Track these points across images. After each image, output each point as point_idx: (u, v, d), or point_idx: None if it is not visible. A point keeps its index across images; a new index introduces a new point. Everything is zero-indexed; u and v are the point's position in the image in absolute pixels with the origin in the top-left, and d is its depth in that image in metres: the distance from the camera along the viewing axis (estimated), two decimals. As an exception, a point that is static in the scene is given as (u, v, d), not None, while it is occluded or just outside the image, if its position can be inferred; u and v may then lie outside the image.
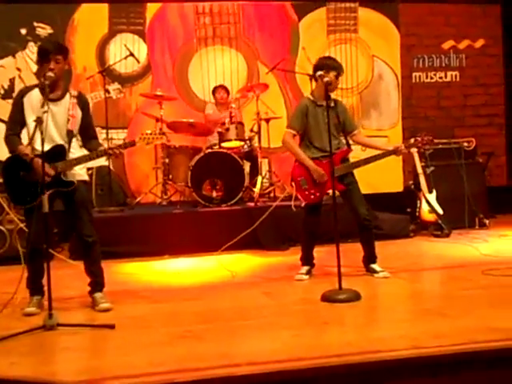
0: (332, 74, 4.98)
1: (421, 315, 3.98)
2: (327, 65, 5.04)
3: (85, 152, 4.47)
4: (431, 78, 8.79)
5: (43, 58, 4.25)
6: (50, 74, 4.15)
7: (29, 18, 7.64)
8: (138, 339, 3.71)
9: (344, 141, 5.21)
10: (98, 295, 4.47)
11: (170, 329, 3.88)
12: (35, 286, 4.41)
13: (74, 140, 4.39)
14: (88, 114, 4.50)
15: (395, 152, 5.14)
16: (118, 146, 4.41)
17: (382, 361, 3.09)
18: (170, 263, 6.18)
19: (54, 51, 4.25)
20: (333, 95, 5.14)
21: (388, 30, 8.52)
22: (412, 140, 5.31)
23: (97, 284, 4.52)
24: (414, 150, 6.97)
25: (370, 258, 5.16)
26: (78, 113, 4.38)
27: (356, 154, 5.54)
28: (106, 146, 4.80)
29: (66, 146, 4.32)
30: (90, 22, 7.81)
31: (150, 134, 4.47)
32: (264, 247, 6.59)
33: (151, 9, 7.99)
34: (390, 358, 3.12)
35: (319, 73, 4.88)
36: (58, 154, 4.28)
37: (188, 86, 8.11)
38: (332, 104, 5.07)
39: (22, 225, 5.76)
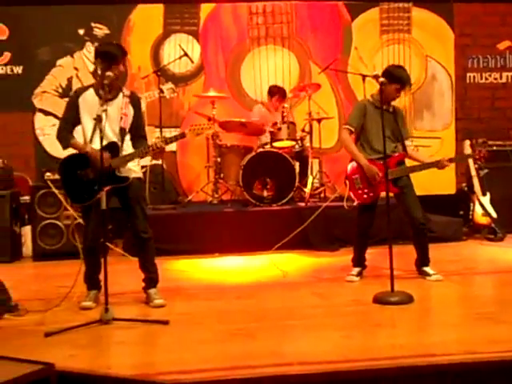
0: (394, 86, 4.95)
1: (474, 320, 3.93)
2: (392, 74, 4.98)
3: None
4: (486, 79, 8.62)
5: (112, 60, 4.34)
6: (110, 73, 4.24)
7: (86, 19, 7.81)
8: (191, 336, 3.77)
9: (401, 146, 5.15)
10: (152, 291, 4.56)
11: (221, 326, 3.94)
12: (92, 281, 4.54)
13: (126, 138, 4.48)
14: (139, 112, 4.59)
15: (437, 165, 5.07)
16: (169, 138, 4.47)
17: (436, 365, 3.07)
18: (221, 261, 6.25)
19: (122, 55, 4.40)
20: (393, 102, 5.13)
21: (442, 30, 8.40)
22: (468, 143, 5.22)
23: (151, 280, 4.60)
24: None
25: (422, 260, 5.12)
26: (130, 111, 4.49)
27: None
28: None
29: (119, 143, 4.42)
30: (145, 22, 7.93)
31: (199, 124, 4.53)
32: (314, 247, 6.59)
33: (205, 9, 8.07)
34: (443, 362, 3.10)
35: (374, 73, 4.85)
36: (111, 150, 4.36)
37: (240, 86, 8.16)
38: (391, 109, 5.07)
39: (79, 220, 5.90)
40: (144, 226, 4.54)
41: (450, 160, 5.15)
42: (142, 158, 4.58)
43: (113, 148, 4.38)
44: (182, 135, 4.51)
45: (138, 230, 4.53)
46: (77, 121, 4.45)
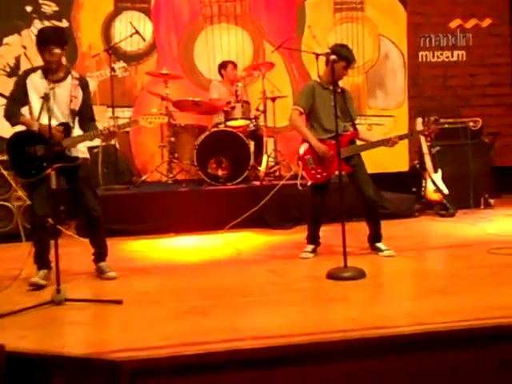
0: (341, 64, 4.97)
1: (425, 293, 4.02)
2: (338, 52, 4.97)
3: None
4: (438, 58, 8.74)
5: (43, 45, 4.36)
6: (57, 50, 4.29)
7: (34, -4, 7.61)
8: (145, 314, 3.77)
9: (351, 126, 5.19)
10: (103, 264, 4.68)
11: (176, 304, 3.94)
12: (42, 261, 4.49)
13: (76, 119, 4.54)
14: (88, 95, 4.65)
15: (387, 142, 5.13)
16: (122, 124, 4.61)
17: (386, 336, 3.12)
18: (176, 241, 6.22)
19: (54, 41, 4.35)
20: (340, 83, 5.15)
21: (395, 8, 8.45)
22: (420, 121, 5.29)
23: (101, 254, 4.72)
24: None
25: (375, 236, 5.19)
26: (80, 94, 4.53)
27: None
28: (107, 125, 4.91)
29: (71, 124, 4.46)
30: (95, -1, 7.78)
31: (153, 114, 4.64)
32: (269, 226, 6.61)
33: (157, -14, 7.95)
34: (393, 333, 3.16)
35: (326, 51, 4.87)
36: (63, 131, 4.40)
37: (194, 65, 8.08)
38: (339, 90, 5.09)
39: (29, 202, 5.77)
40: (94, 204, 4.63)
41: (400, 137, 5.20)
42: (92, 140, 4.66)
43: (64, 129, 4.42)
44: (136, 122, 4.64)
45: (88, 209, 4.61)
46: (24, 101, 4.47)
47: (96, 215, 4.63)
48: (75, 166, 4.49)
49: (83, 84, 4.59)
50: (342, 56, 4.98)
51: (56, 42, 4.36)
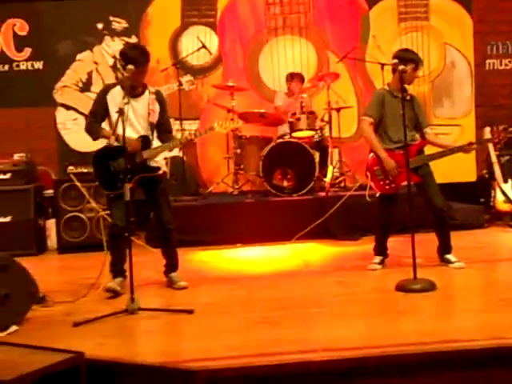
0: (410, 67, 4.95)
1: (499, 306, 3.93)
2: (404, 57, 4.98)
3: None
4: (506, 65, 8.55)
5: (130, 63, 4.43)
6: (131, 66, 4.37)
7: (104, 13, 7.86)
8: (216, 324, 3.83)
9: (418, 134, 5.15)
10: (173, 275, 4.79)
11: (246, 315, 3.98)
12: (117, 269, 4.64)
13: (154, 132, 4.70)
14: (165, 109, 4.79)
15: (464, 149, 5.06)
16: (198, 132, 4.82)
17: (461, 350, 3.08)
18: (243, 252, 6.28)
19: (143, 61, 4.55)
20: (409, 88, 5.12)
21: (460, 16, 8.33)
22: (488, 130, 5.20)
23: (172, 265, 4.83)
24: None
25: (444, 248, 5.11)
26: (157, 107, 4.68)
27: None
28: (179, 136, 5.05)
29: (150, 137, 4.63)
30: (163, 15, 7.96)
31: (227, 119, 4.83)
32: (335, 237, 6.60)
33: (222, 1, 8.07)
34: (469, 347, 3.12)
35: (394, 60, 4.85)
36: (143, 143, 4.59)
37: (258, 77, 8.17)
38: (408, 97, 5.04)
39: (102, 213, 5.97)
40: (169, 217, 4.76)
41: (471, 143, 5.10)
42: (171, 150, 4.85)
43: (144, 141, 4.61)
44: (211, 129, 4.76)
45: (163, 222, 4.74)
46: (104, 116, 4.64)
47: (170, 228, 4.76)
48: (156, 179, 4.66)
49: (160, 98, 4.74)
50: (408, 59, 4.97)
51: (144, 63, 4.55)
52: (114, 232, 4.58)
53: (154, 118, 4.65)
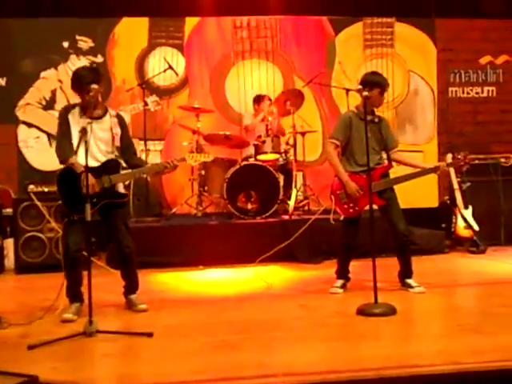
0: (376, 91, 5.00)
1: (458, 331, 3.96)
2: (370, 81, 5.04)
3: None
4: (468, 93, 8.73)
5: (79, 85, 4.44)
6: (95, 86, 4.39)
7: (71, 32, 7.81)
8: (176, 348, 3.77)
9: (385, 157, 5.20)
10: (133, 297, 4.71)
11: (206, 338, 3.93)
12: (74, 294, 4.53)
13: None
14: (127, 132, 4.76)
15: (436, 170, 5.14)
16: (171, 161, 4.63)
17: (421, 375, 3.09)
18: (205, 274, 6.24)
19: (90, 81, 4.44)
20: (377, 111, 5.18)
21: (424, 44, 8.51)
22: (450, 157, 5.28)
23: (131, 287, 4.75)
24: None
25: (405, 272, 5.14)
26: (119, 131, 4.61)
27: (399, 169, 5.51)
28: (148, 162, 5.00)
29: (120, 160, 4.58)
30: (130, 35, 7.96)
31: (198, 153, 4.87)
32: (298, 260, 6.60)
33: (190, 23, 8.11)
34: (427, 372, 3.12)
35: (358, 87, 4.90)
36: (112, 168, 4.53)
37: (225, 99, 8.20)
38: (376, 120, 5.11)
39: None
40: (128, 240, 4.69)
41: (436, 167, 5.15)
42: (143, 175, 5.06)
43: (112, 165, 4.53)
44: (183, 159, 4.71)
45: (122, 245, 4.67)
46: (71, 136, 4.50)
47: (128, 251, 4.68)
48: (119, 203, 4.59)
49: (121, 121, 4.68)
50: (374, 83, 5.03)
51: (92, 80, 4.44)
52: (69, 256, 4.46)
53: (119, 143, 4.58)
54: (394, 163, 5.30)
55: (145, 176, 5.15)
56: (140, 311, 4.62)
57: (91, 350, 3.80)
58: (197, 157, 4.77)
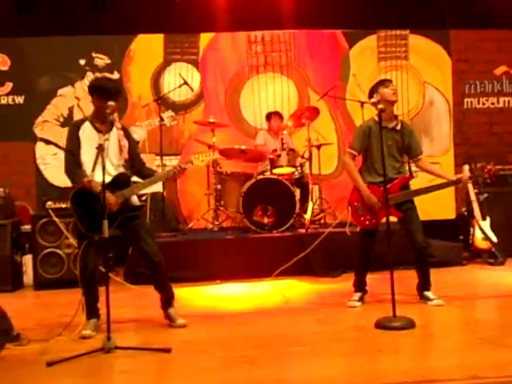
0: (381, 90, 4.99)
1: (477, 344, 3.92)
2: (374, 86, 5.08)
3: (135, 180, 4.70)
4: (483, 104, 8.71)
5: (107, 95, 4.43)
6: (111, 103, 4.38)
7: (87, 49, 7.93)
8: (194, 363, 3.76)
9: (407, 167, 5.16)
10: (172, 311, 4.66)
11: (224, 353, 3.93)
12: (91, 310, 4.53)
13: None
14: (134, 143, 4.79)
15: (457, 183, 5.11)
16: (179, 166, 4.64)
17: (440, 390, 3.06)
18: (222, 288, 6.23)
19: (120, 92, 4.57)
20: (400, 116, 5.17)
21: (439, 56, 8.51)
22: (467, 168, 5.24)
23: (167, 300, 4.69)
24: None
25: (424, 285, 5.11)
26: (126, 143, 4.60)
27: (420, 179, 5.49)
28: (159, 171, 4.99)
29: (128, 173, 4.54)
30: (145, 51, 8.06)
31: (203, 152, 4.75)
32: (316, 273, 6.59)
33: (205, 38, 8.19)
34: (448, 387, 3.10)
35: (373, 100, 4.90)
36: (122, 182, 4.50)
37: (240, 114, 8.24)
38: (398, 127, 5.07)
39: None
40: (155, 249, 4.63)
41: (458, 180, 5.11)
42: (156, 183, 4.84)
43: (122, 180, 4.51)
44: (189, 162, 4.69)
45: (150, 255, 4.61)
46: (79, 152, 4.50)
47: (158, 260, 4.62)
48: (135, 215, 4.54)
49: (127, 132, 4.68)
50: (375, 85, 5.06)
51: (116, 98, 4.48)
52: (86, 274, 4.44)
53: (127, 154, 4.56)
54: (414, 174, 5.27)
55: (156, 188, 5.11)
56: (179, 327, 4.57)
57: (110, 366, 3.81)
58: (203, 156, 4.72)
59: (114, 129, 4.57)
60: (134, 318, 4.85)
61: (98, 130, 4.47)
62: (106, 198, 4.21)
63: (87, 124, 4.54)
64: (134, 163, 4.66)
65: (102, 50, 7.95)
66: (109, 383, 3.62)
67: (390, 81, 5.21)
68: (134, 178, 4.70)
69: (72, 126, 4.64)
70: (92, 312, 4.53)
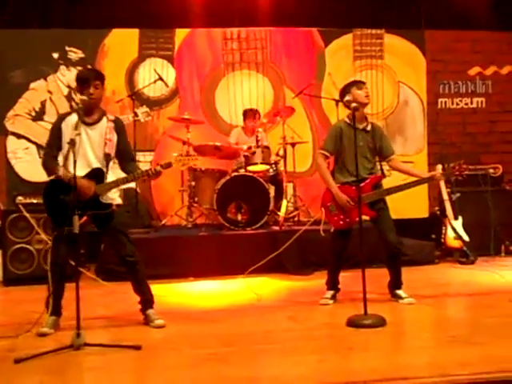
0: (353, 90, 5.02)
1: (447, 342, 3.94)
2: (344, 87, 5.12)
3: (122, 175, 4.57)
4: (457, 104, 8.79)
5: (83, 84, 4.38)
6: (84, 97, 4.27)
7: (61, 43, 7.81)
8: (164, 361, 3.73)
9: (379, 167, 5.19)
10: (150, 312, 4.58)
11: (195, 351, 3.91)
12: (54, 307, 4.44)
13: (111, 163, 4.50)
14: (125, 138, 4.61)
15: (430, 180, 5.16)
16: (155, 168, 4.48)
17: (408, 388, 3.08)
18: (195, 285, 6.21)
19: (92, 77, 4.40)
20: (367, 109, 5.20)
21: (414, 56, 8.56)
22: (440, 167, 5.29)
23: (147, 301, 4.61)
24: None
25: (395, 283, 5.14)
26: (114, 137, 4.49)
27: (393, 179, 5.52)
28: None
29: (104, 169, 4.43)
30: (120, 46, 7.96)
31: (185, 155, 4.62)
32: (288, 271, 6.59)
33: (180, 34, 8.13)
34: (416, 384, 3.11)
35: (347, 98, 4.91)
36: (96, 177, 4.39)
37: (215, 110, 8.20)
38: (368, 128, 5.10)
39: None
40: (130, 250, 4.55)
41: (431, 177, 5.18)
42: (129, 182, 4.63)
43: (97, 174, 4.40)
44: (169, 165, 4.49)
45: (123, 255, 4.54)
46: (60, 146, 4.42)
47: (132, 260, 4.54)
48: (108, 214, 4.44)
49: (119, 126, 4.55)
50: (347, 85, 5.10)
51: (97, 77, 4.42)
52: (56, 270, 4.37)
53: (111, 149, 4.45)
54: (387, 172, 5.29)
55: (130, 185, 5.01)
56: (157, 327, 4.48)
57: (79, 363, 3.77)
58: (185, 160, 4.58)
59: (104, 120, 4.47)
60: (104, 315, 4.81)
61: (85, 123, 4.35)
62: (81, 183, 4.16)
63: (74, 116, 4.40)
64: (121, 158, 4.56)
65: (76, 43, 7.83)
66: (78, 380, 3.58)
67: (364, 83, 5.23)
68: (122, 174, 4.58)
69: (57, 119, 4.59)
70: (54, 309, 4.43)
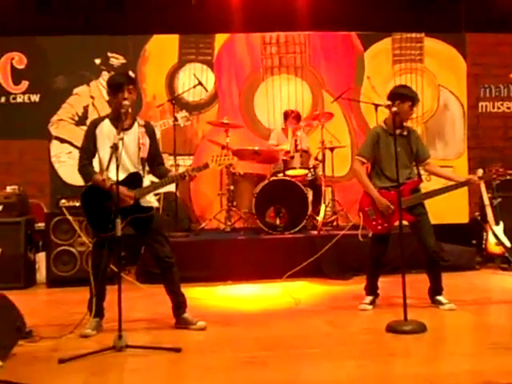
0: (407, 105, 4.98)
1: (488, 350, 3.90)
2: (401, 94, 5.02)
3: (152, 178, 4.65)
4: (498, 108, 8.66)
5: (117, 89, 4.44)
6: (126, 102, 4.33)
7: (103, 49, 7.96)
8: (204, 363, 3.78)
9: (416, 171, 5.16)
10: (187, 315, 4.60)
11: (234, 354, 3.93)
12: (97, 309, 4.51)
13: (146, 167, 4.58)
14: (155, 141, 4.68)
15: (467, 184, 5.10)
16: (192, 169, 4.56)
17: (450, 395, 3.05)
18: (233, 289, 6.24)
19: (126, 82, 4.46)
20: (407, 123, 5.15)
21: (454, 59, 8.47)
22: (481, 171, 5.23)
23: (181, 304, 4.63)
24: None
25: (436, 289, 5.09)
26: (147, 141, 4.56)
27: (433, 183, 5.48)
28: (173, 171, 4.94)
29: (141, 173, 4.50)
30: (160, 52, 8.08)
31: (221, 155, 4.61)
32: (326, 276, 6.58)
33: (219, 39, 8.20)
34: (457, 392, 3.09)
35: (387, 102, 4.88)
36: (134, 181, 4.45)
37: (253, 115, 8.24)
38: (405, 133, 5.07)
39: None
40: (168, 251, 4.59)
41: (468, 181, 5.10)
42: (164, 186, 4.66)
43: (135, 179, 4.46)
44: (206, 166, 4.57)
45: (161, 257, 4.57)
46: (95, 152, 4.51)
47: (170, 262, 4.57)
48: (149, 217, 4.49)
49: (150, 130, 4.61)
50: (406, 96, 5.00)
51: (130, 81, 4.48)
52: (98, 273, 4.43)
53: (145, 153, 4.51)
54: (427, 177, 5.26)
55: (169, 188, 5.06)
56: (199, 329, 4.50)
57: (120, 364, 3.82)
58: (221, 160, 4.58)
59: (135, 125, 4.54)
60: (145, 318, 4.87)
61: (119, 127, 4.37)
62: (121, 191, 4.21)
63: (106, 122, 4.51)
64: (151, 162, 4.61)
65: (118, 49, 7.98)
66: (119, 381, 3.63)
67: (418, 101, 5.17)
68: (152, 178, 4.68)
69: (90, 124, 4.65)
70: (97, 311, 4.51)
